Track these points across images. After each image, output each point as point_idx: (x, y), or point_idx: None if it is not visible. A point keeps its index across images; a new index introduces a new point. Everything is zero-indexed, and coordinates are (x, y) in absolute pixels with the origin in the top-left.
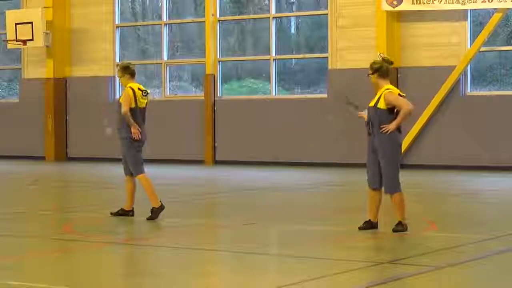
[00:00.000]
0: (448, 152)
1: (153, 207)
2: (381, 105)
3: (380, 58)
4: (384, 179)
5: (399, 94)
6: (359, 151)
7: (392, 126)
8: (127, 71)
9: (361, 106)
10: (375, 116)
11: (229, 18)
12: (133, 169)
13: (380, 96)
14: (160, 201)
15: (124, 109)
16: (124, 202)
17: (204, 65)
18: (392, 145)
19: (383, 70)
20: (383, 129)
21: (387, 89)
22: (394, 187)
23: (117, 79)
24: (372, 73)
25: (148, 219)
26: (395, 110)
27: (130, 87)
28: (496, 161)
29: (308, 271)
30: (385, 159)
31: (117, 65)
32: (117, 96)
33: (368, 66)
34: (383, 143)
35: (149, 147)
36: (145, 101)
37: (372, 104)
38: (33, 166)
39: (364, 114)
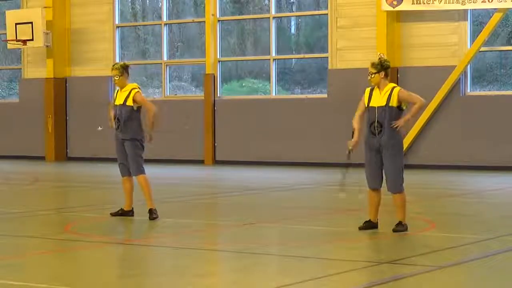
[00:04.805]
0: (448, 152)
1: (150, 208)
2: (393, 103)
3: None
4: (389, 178)
5: None
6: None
7: (402, 121)
8: (127, 71)
9: None
10: (385, 114)
11: (229, 18)
12: (136, 169)
13: (390, 94)
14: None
15: (156, 109)
16: (124, 202)
17: (204, 65)
18: (400, 144)
19: (389, 70)
20: (394, 125)
21: (395, 87)
22: (399, 187)
23: None
24: (384, 70)
25: (150, 219)
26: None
27: (138, 89)
28: (496, 161)
29: (308, 271)
30: (392, 158)
31: (116, 64)
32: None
33: (367, 65)
34: (392, 141)
35: (149, 147)
36: None
37: (380, 103)
38: (33, 166)
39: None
